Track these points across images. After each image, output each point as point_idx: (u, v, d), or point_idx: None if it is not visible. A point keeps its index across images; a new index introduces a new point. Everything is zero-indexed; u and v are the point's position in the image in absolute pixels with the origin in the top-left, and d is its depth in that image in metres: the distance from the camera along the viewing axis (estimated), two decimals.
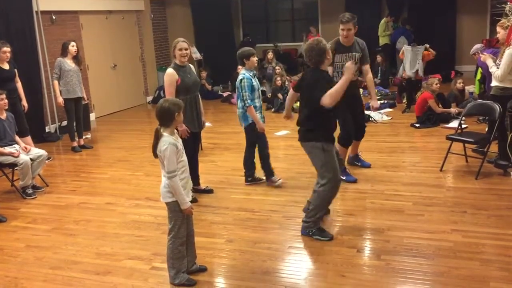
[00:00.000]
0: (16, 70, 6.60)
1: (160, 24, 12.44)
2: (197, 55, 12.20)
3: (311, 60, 3.93)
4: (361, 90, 6.49)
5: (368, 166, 5.80)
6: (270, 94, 10.01)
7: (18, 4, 7.94)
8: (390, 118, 8.36)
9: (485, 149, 5.46)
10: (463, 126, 6.19)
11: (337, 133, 5.03)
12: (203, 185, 5.33)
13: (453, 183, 5.26)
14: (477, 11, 12.01)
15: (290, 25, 14.18)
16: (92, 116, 9.67)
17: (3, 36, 7.05)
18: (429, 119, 7.64)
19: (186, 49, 4.84)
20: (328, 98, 3.72)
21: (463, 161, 5.81)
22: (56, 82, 7.21)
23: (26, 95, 6.79)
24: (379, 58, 10.98)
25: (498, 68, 5.26)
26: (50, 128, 8.76)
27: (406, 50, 8.71)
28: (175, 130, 3.41)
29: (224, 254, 3.93)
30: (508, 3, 5.70)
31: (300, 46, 13.00)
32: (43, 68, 8.59)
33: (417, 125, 7.64)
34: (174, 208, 3.34)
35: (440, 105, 7.77)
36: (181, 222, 3.38)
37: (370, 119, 7.98)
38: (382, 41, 11.83)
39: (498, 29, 5.51)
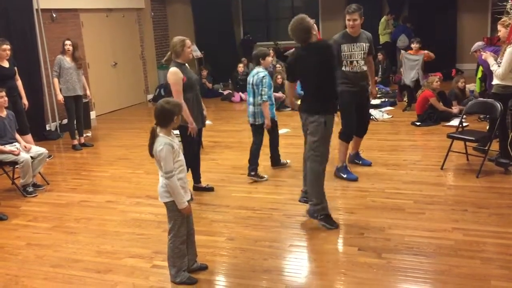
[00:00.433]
0: (16, 68, 6.59)
1: (160, 22, 12.43)
2: (197, 53, 12.18)
3: (298, 39, 4.11)
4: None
5: (369, 165, 5.80)
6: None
7: (19, 2, 7.92)
8: (391, 116, 8.35)
9: (486, 148, 5.45)
10: (464, 124, 6.19)
11: (337, 130, 5.05)
12: (204, 183, 5.33)
13: (454, 182, 5.25)
14: (478, 9, 11.99)
15: None
16: (93, 114, 9.66)
17: (3, 34, 7.03)
18: (430, 117, 7.63)
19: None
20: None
21: (464, 159, 5.80)
22: (56, 80, 7.22)
23: (27, 93, 6.78)
24: (380, 56, 10.96)
25: (499, 66, 5.26)
26: (50, 126, 8.76)
27: (405, 58, 8.69)
28: (172, 130, 3.36)
29: (225, 253, 3.93)
30: (509, 1, 5.70)
31: None
32: (44, 66, 8.58)
33: (418, 123, 7.63)
34: (172, 207, 3.33)
35: (441, 103, 7.76)
36: (180, 221, 3.36)
37: (371, 117, 7.96)
38: (383, 39, 11.80)
39: (499, 27, 5.49)
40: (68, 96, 7.24)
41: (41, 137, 7.99)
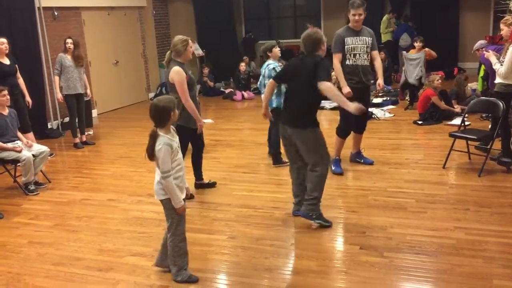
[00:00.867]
0: (16, 65, 6.60)
1: (162, 20, 12.43)
2: (199, 51, 12.18)
3: (306, 48, 4.12)
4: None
5: (371, 163, 5.79)
6: None
7: (20, 0, 7.92)
8: (392, 115, 8.34)
9: (488, 146, 5.44)
10: (466, 123, 6.18)
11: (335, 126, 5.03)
12: (206, 180, 5.35)
13: (456, 181, 5.24)
14: (480, 8, 11.96)
15: (292, 22, 14.14)
16: (94, 113, 9.67)
17: (5, 32, 7.03)
18: (431, 116, 7.62)
19: None
20: (326, 89, 3.83)
21: (466, 158, 5.79)
22: (57, 77, 7.23)
23: (29, 91, 6.78)
24: (381, 55, 10.90)
25: (501, 65, 5.24)
26: (52, 124, 8.76)
27: (406, 59, 8.69)
28: (172, 127, 3.33)
29: (227, 251, 3.93)
30: None
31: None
32: (45, 64, 8.58)
33: (419, 122, 7.62)
34: (168, 205, 3.31)
35: (443, 102, 7.75)
36: (178, 219, 3.35)
37: (373, 116, 7.96)
38: (385, 38, 11.78)
39: (502, 26, 5.47)
40: (70, 94, 7.24)
41: (42, 135, 8.00)
